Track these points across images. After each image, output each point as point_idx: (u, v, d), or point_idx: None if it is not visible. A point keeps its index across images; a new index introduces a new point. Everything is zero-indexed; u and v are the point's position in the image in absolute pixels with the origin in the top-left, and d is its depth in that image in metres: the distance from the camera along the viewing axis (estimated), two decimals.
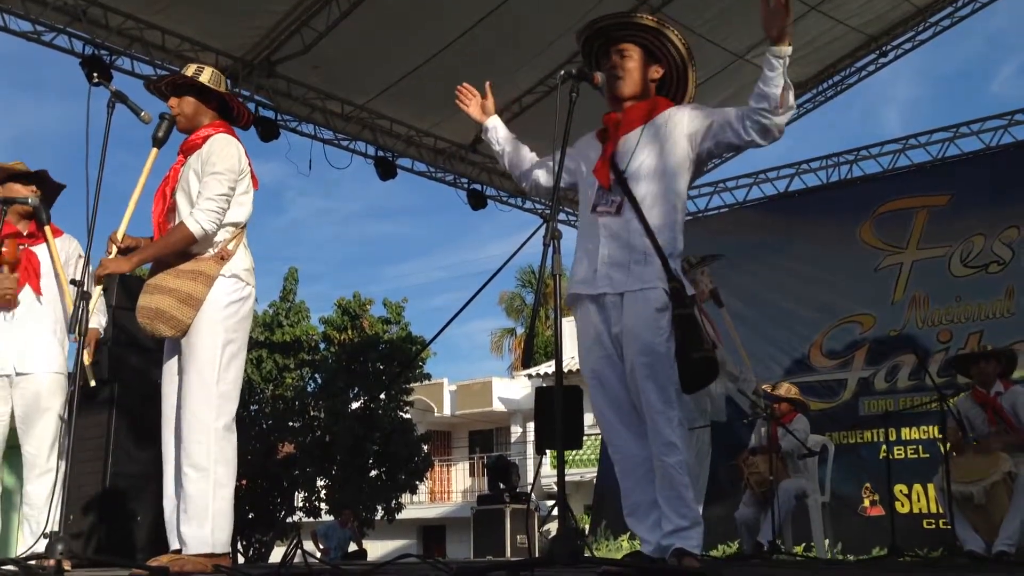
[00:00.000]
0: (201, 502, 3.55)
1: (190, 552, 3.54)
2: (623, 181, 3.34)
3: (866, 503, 8.56)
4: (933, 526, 8.16)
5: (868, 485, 8.57)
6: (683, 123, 3.36)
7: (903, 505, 8.05)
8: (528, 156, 3.80)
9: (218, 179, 3.66)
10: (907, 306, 8.84)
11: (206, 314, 3.64)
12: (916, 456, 8.42)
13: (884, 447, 8.45)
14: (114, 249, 3.70)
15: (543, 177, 3.71)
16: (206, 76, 3.83)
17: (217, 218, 3.65)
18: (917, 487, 8.30)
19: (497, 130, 3.81)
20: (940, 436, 7.97)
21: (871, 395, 8.88)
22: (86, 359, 3.80)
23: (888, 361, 8.82)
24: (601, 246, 3.34)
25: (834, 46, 9.09)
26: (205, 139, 3.77)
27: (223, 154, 3.70)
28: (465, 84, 3.82)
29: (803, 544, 7.36)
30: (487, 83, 3.81)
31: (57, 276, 4.42)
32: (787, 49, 3.09)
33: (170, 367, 3.78)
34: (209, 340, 3.64)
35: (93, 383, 3.96)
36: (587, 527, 20.13)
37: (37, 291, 4.42)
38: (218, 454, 3.59)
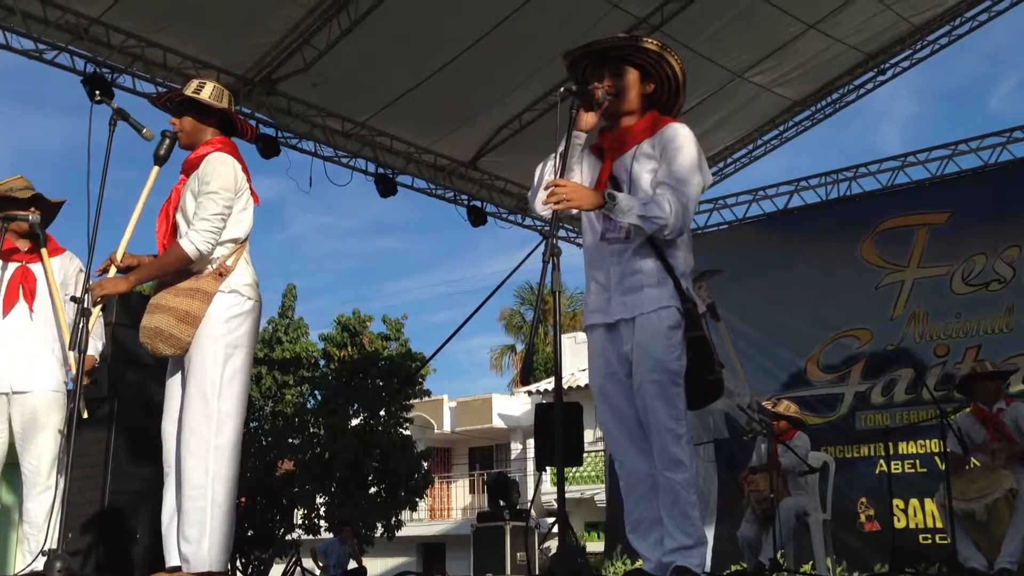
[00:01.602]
0: (198, 519, 3.53)
1: (187, 570, 3.53)
2: None
3: (862, 518, 8.55)
4: (929, 541, 8.15)
5: (864, 500, 8.56)
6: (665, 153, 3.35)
7: (899, 520, 8.03)
8: None
9: (212, 199, 3.64)
10: (906, 321, 8.85)
11: (206, 330, 3.63)
12: (913, 471, 8.41)
13: (882, 462, 8.44)
14: (113, 270, 3.69)
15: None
16: (207, 92, 3.82)
17: (212, 238, 3.63)
18: (914, 502, 8.29)
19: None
20: (940, 451, 7.98)
21: (868, 409, 8.88)
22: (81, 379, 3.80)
23: (885, 375, 8.83)
24: (612, 274, 3.35)
25: (832, 64, 9.11)
26: (203, 158, 3.77)
27: (218, 173, 3.68)
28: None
29: (810, 563, 7.33)
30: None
31: (51, 295, 4.42)
32: (611, 207, 3.17)
33: (173, 383, 3.76)
34: (210, 356, 3.62)
35: (86, 415, 3.95)
36: (587, 545, 20.02)
37: (33, 309, 4.42)
38: (216, 472, 3.56)
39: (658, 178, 3.29)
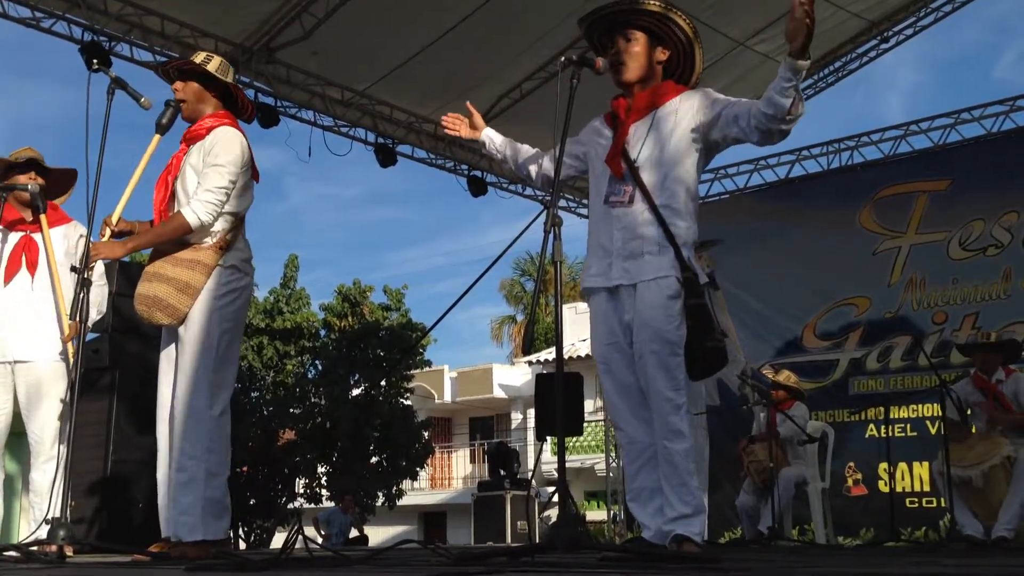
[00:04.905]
0: (194, 489, 3.56)
1: (184, 540, 3.55)
2: (635, 170, 3.34)
3: (849, 482, 8.61)
4: (916, 505, 8.21)
5: (852, 464, 8.61)
6: (693, 110, 3.34)
7: (886, 484, 8.06)
8: (529, 152, 3.76)
9: (219, 171, 3.65)
10: (903, 288, 8.84)
11: (203, 303, 3.65)
12: (904, 435, 8.43)
13: (872, 427, 8.48)
14: (108, 232, 3.70)
15: (553, 170, 3.54)
16: (214, 65, 3.84)
17: (215, 210, 3.64)
18: (902, 466, 8.34)
19: (494, 140, 3.82)
20: (933, 416, 8.00)
21: (862, 375, 8.90)
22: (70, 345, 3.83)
23: (882, 342, 8.83)
24: (615, 238, 3.35)
25: (835, 32, 9.03)
26: (209, 130, 3.76)
27: (227, 146, 3.70)
28: (448, 115, 3.86)
29: (798, 527, 7.38)
30: (467, 103, 3.86)
31: (49, 264, 4.42)
32: (805, 64, 3.06)
33: (167, 355, 3.78)
34: (206, 329, 3.64)
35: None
36: (587, 514, 20.14)
37: (35, 278, 4.42)
38: (211, 442, 3.60)
39: (727, 105, 3.30)
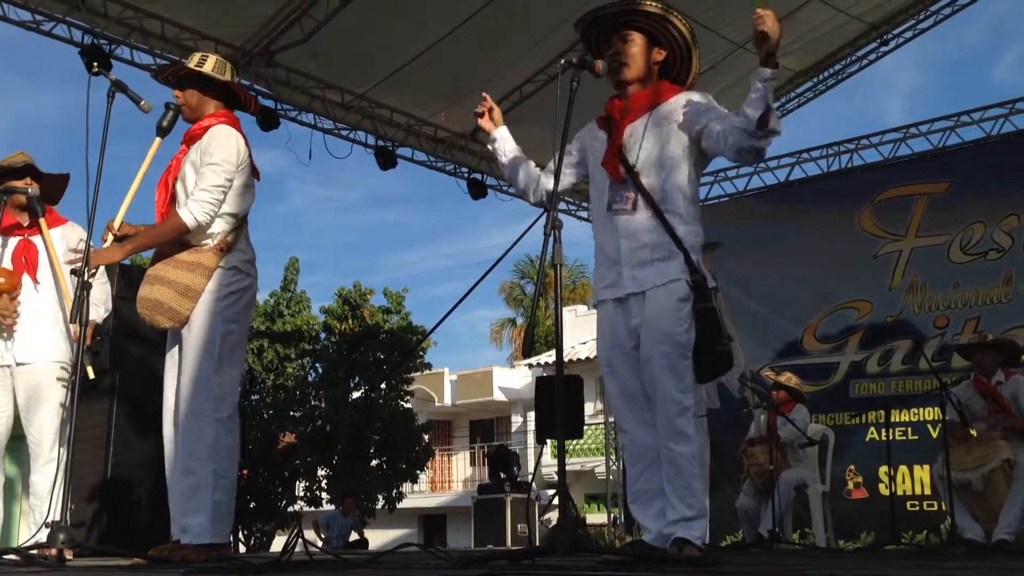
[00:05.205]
0: (200, 492, 3.56)
1: (191, 542, 3.55)
2: (634, 175, 3.33)
3: (850, 485, 8.60)
4: (917, 508, 8.21)
5: (852, 467, 8.61)
6: (690, 112, 3.33)
7: (886, 487, 8.04)
8: (533, 173, 3.72)
9: (214, 170, 3.64)
10: (904, 292, 8.84)
11: (205, 305, 3.64)
12: (904, 439, 8.42)
13: (872, 430, 8.48)
14: (110, 237, 3.70)
15: (551, 185, 3.56)
16: (209, 65, 3.81)
17: (211, 209, 3.63)
18: (903, 469, 8.32)
19: (504, 143, 3.79)
20: (934, 419, 7.99)
21: (862, 378, 8.89)
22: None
23: (882, 346, 8.81)
24: (621, 247, 3.34)
25: (835, 35, 9.04)
26: (206, 129, 3.75)
27: (221, 145, 3.68)
28: (486, 94, 3.85)
29: (799, 531, 7.37)
30: (484, 94, 3.87)
31: (52, 266, 4.42)
32: (769, 72, 3.06)
33: (172, 357, 3.78)
34: (208, 331, 3.64)
35: (92, 376, 3.98)
36: (587, 516, 20.12)
37: (36, 282, 4.42)
38: (218, 444, 3.59)
39: (716, 117, 3.27)
